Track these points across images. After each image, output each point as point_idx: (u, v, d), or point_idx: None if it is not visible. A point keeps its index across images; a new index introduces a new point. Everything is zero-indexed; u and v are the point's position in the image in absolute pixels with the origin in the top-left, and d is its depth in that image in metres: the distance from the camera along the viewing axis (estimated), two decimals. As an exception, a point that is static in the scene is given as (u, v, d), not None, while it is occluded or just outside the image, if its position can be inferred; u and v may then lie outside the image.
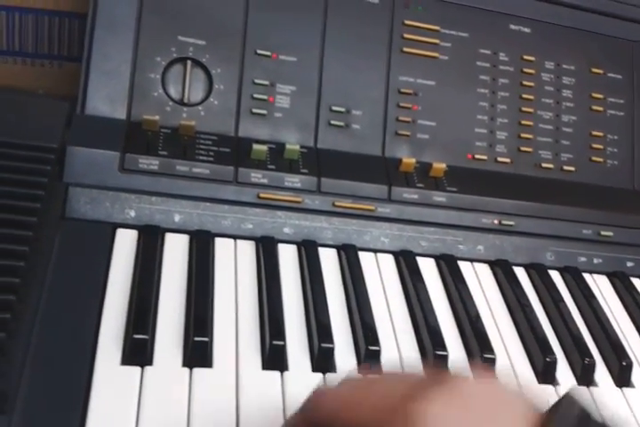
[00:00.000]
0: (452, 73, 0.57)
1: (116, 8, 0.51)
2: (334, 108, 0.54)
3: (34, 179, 0.42)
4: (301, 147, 0.52)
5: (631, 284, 0.54)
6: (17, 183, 0.41)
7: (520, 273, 0.52)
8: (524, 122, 0.58)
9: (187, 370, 0.38)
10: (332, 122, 0.54)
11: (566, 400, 0.27)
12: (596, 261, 0.55)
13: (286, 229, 0.50)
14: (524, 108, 0.59)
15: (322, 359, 0.41)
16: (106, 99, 0.49)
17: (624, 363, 0.46)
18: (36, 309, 0.38)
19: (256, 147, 0.50)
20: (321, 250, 0.49)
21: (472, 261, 0.53)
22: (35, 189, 0.41)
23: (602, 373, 0.46)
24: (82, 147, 0.46)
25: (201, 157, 0.49)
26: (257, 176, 0.50)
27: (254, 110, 0.52)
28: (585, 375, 0.45)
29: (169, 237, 0.47)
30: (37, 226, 0.40)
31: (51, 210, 0.43)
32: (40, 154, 0.44)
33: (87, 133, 0.47)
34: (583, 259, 0.55)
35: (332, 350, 0.41)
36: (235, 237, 0.49)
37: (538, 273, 0.52)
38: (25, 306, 0.37)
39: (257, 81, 0.53)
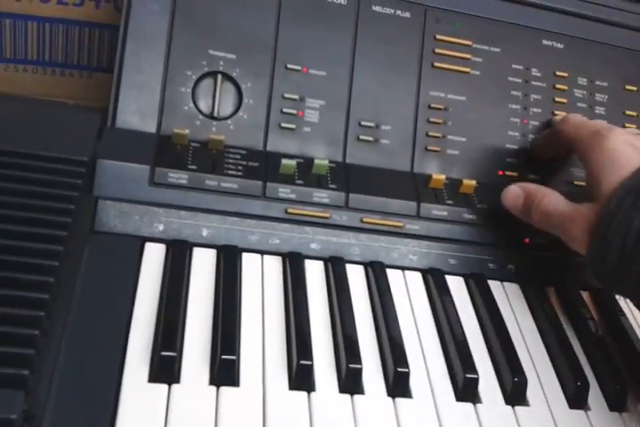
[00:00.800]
0: (484, 88, 0.57)
1: (147, 21, 0.51)
2: (363, 122, 0.54)
3: (64, 192, 0.42)
4: (330, 162, 0.52)
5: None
6: (47, 197, 0.41)
7: (551, 294, 0.51)
8: (555, 139, 0.57)
9: (214, 388, 0.38)
10: (361, 137, 0.54)
11: None
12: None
13: (314, 245, 0.49)
14: (555, 125, 0.58)
15: (349, 380, 0.40)
16: (136, 112, 0.49)
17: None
18: (64, 325, 0.38)
19: (285, 161, 0.49)
20: (348, 267, 0.49)
21: (502, 280, 0.52)
22: (65, 202, 0.41)
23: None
24: (112, 160, 0.46)
25: (230, 172, 0.49)
26: (285, 191, 0.49)
27: (283, 124, 0.52)
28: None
29: (197, 251, 0.47)
30: (67, 240, 0.40)
31: (80, 223, 0.43)
32: (70, 167, 0.44)
33: (117, 147, 0.47)
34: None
35: (360, 371, 0.40)
36: (262, 253, 0.48)
37: (564, 293, 0.51)
38: (53, 322, 0.37)
39: (286, 95, 0.52)
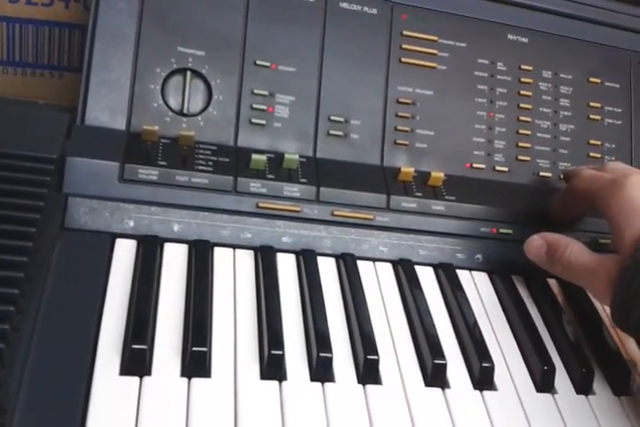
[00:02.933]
0: (451, 83, 0.58)
1: (115, 19, 0.51)
2: (333, 117, 0.54)
3: (33, 190, 0.42)
4: (300, 156, 0.52)
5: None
6: (17, 194, 0.41)
7: (519, 282, 0.53)
8: (521, 131, 0.59)
9: (185, 380, 0.38)
10: (331, 132, 0.54)
11: None
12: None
13: (285, 239, 0.50)
14: (521, 118, 0.59)
15: (320, 369, 0.41)
16: (105, 109, 0.50)
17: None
18: (34, 319, 0.38)
19: (255, 156, 0.50)
20: (320, 259, 0.50)
21: (470, 269, 0.53)
22: (34, 199, 0.41)
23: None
24: (81, 157, 0.47)
25: (200, 167, 0.49)
26: (256, 186, 0.50)
27: (253, 120, 0.53)
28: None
29: (168, 246, 0.47)
30: (37, 236, 0.40)
31: (50, 220, 0.43)
32: (40, 165, 0.44)
33: (87, 144, 0.48)
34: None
35: (330, 360, 0.41)
36: (234, 247, 0.49)
37: (535, 282, 0.53)
38: (24, 317, 0.37)
39: (256, 91, 0.53)
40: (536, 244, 0.49)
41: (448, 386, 0.43)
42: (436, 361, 0.42)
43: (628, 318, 0.42)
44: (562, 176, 0.57)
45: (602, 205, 0.46)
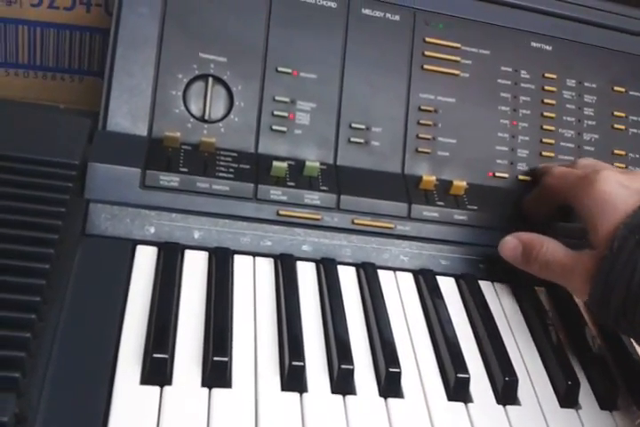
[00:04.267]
0: (473, 90, 0.57)
1: (138, 24, 0.51)
2: (354, 125, 0.54)
3: (55, 195, 0.42)
4: (321, 164, 0.52)
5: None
6: (38, 200, 0.41)
7: (542, 294, 0.52)
8: (545, 140, 0.58)
9: (206, 390, 0.38)
10: (352, 139, 0.54)
11: None
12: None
13: (305, 247, 0.49)
14: (545, 126, 0.58)
15: (341, 381, 0.40)
16: (127, 115, 0.50)
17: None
18: (55, 327, 0.38)
19: (276, 164, 0.50)
20: (340, 268, 0.49)
21: (493, 280, 0.52)
22: (56, 205, 0.41)
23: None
24: (103, 163, 0.47)
25: (221, 174, 0.49)
26: (276, 193, 0.49)
27: (274, 127, 0.52)
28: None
29: (188, 253, 0.47)
30: (59, 243, 0.40)
31: (71, 226, 0.43)
32: (61, 170, 0.44)
33: (108, 150, 0.48)
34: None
35: (351, 372, 0.40)
36: (254, 255, 0.48)
37: (558, 294, 0.52)
38: (45, 325, 0.37)
39: (277, 98, 0.53)
40: (511, 245, 0.49)
41: (471, 400, 0.42)
42: (460, 375, 0.42)
43: (608, 310, 0.42)
44: (534, 174, 0.56)
45: (575, 201, 0.46)
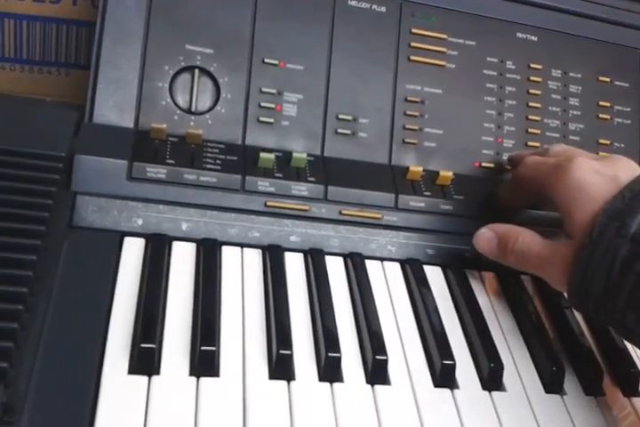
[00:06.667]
0: (459, 81, 0.57)
1: (124, 17, 0.51)
2: (341, 116, 0.54)
3: (42, 188, 0.42)
4: (308, 155, 0.52)
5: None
6: (25, 192, 0.41)
7: (527, 282, 0.52)
8: (531, 130, 0.58)
9: (194, 379, 0.38)
10: (339, 130, 0.54)
11: None
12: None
13: (293, 238, 0.50)
14: (530, 117, 0.58)
15: (329, 369, 0.40)
16: (114, 107, 0.50)
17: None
18: (43, 318, 0.38)
19: (263, 155, 0.50)
20: (328, 258, 0.49)
21: (479, 269, 0.52)
22: (43, 198, 0.41)
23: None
24: (90, 155, 0.47)
25: (208, 166, 0.49)
26: (264, 184, 0.50)
27: (261, 119, 0.52)
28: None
29: (176, 245, 0.47)
30: (46, 235, 0.40)
31: (58, 219, 0.43)
32: (48, 163, 0.44)
33: (95, 142, 0.48)
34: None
35: (338, 360, 0.41)
36: (241, 246, 0.49)
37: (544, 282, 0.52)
38: (32, 315, 0.37)
39: (264, 89, 0.53)
40: (486, 237, 0.48)
41: (457, 387, 0.42)
42: (445, 362, 0.42)
43: (587, 299, 0.41)
44: (507, 163, 0.56)
45: (549, 191, 0.45)
